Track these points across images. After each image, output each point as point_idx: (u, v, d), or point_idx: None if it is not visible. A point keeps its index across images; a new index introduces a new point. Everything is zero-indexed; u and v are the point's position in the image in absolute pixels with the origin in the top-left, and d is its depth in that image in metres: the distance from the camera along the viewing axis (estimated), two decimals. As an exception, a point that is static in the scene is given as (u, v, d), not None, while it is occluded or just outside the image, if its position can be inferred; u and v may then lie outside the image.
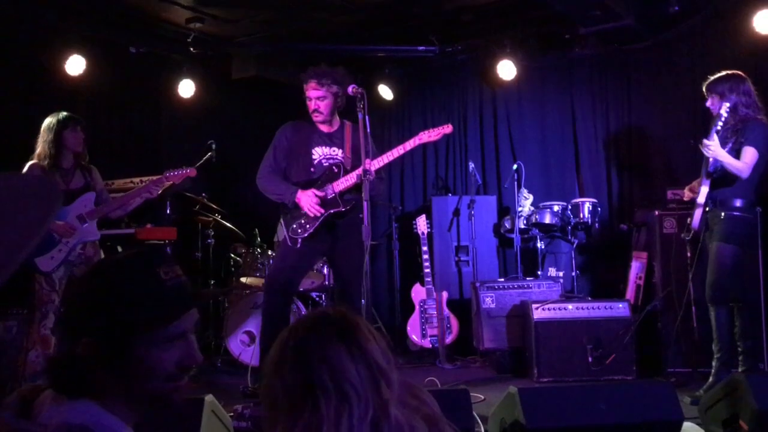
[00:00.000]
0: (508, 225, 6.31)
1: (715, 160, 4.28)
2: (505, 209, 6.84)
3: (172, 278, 1.37)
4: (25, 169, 4.57)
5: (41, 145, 4.58)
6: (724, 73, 4.45)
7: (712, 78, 4.47)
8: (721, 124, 4.26)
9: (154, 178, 4.77)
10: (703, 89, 4.51)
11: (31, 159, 4.59)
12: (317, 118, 4.40)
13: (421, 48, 6.76)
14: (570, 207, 6.02)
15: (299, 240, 4.34)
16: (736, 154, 4.28)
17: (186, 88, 6.86)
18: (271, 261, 6.15)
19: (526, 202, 6.14)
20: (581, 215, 5.95)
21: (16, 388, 4.31)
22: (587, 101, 6.72)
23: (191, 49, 6.51)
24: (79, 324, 1.33)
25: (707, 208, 4.37)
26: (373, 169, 4.01)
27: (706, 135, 4.31)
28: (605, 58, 6.57)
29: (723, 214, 4.32)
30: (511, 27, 6.58)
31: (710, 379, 4.35)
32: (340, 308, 1.39)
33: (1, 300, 5.17)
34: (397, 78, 7.35)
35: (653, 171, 6.35)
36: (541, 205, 6.13)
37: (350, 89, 3.98)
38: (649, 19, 5.93)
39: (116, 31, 6.41)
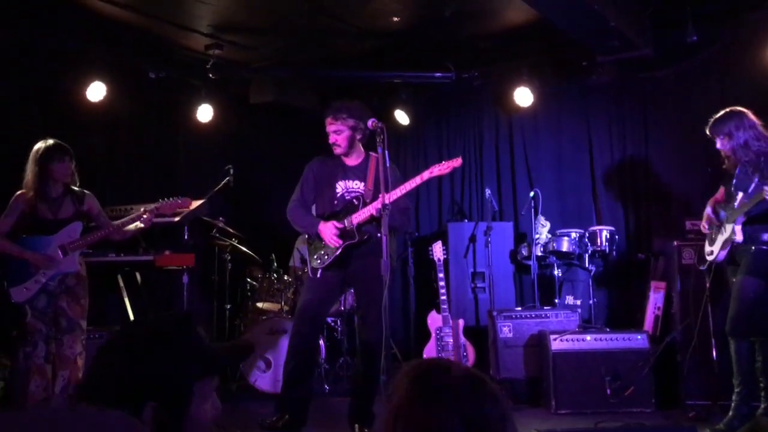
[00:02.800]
0: (525, 252, 6.28)
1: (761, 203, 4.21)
2: (522, 236, 6.83)
3: (205, 338, 1.54)
4: (11, 201, 4.51)
5: (28, 175, 4.48)
6: (723, 112, 4.42)
7: (713, 120, 4.44)
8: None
9: (149, 207, 4.75)
10: (707, 132, 4.45)
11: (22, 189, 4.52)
12: (336, 151, 4.49)
13: (437, 74, 6.79)
14: (587, 235, 6.00)
15: (319, 271, 4.44)
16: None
17: (204, 113, 6.93)
18: (287, 286, 6.18)
19: (543, 230, 6.12)
20: (599, 243, 5.92)
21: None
22: (604, 128, 6.71)
23: (210, 74, 6.56)
24: (143, 391, 1.41)
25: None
26: (387, 201, 4.01)
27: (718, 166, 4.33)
28: (622, 86, 6.55)
29: (753, 248, 4.26)
30: (528, 54, 6.60)
31: (730, 413, 4.30)
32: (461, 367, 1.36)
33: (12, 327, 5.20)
34: (413, 103, 7.37)
35: (671, 200, 6.31)
36: (558, 232, 6.11)
37: (369, 123, 4.02)
38: (668, 49, 5.93)
39: (137, 57, 6.50)
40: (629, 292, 6.26)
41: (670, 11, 5.67)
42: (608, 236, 5.94)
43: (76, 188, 4.67)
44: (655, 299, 5.53)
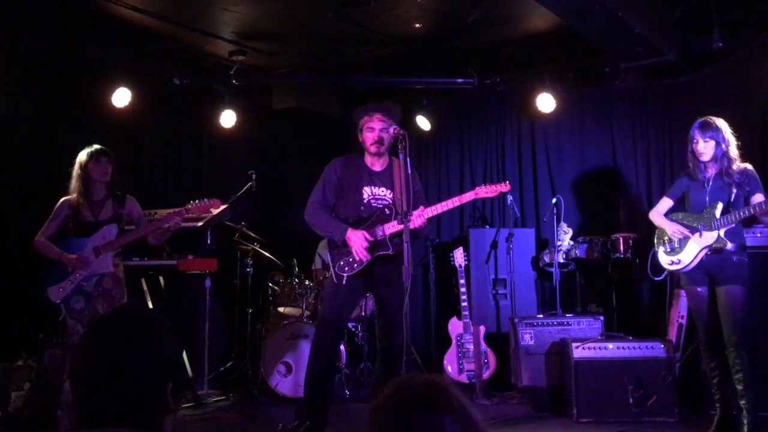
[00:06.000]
0: (546, 259, 6.25)
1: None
2: (544, 242, 6.80)
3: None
4: (57, 206, 4.66)
5: (72, 180, 4.70)
6: (714, 119, 4.46)
7: (707, 122, 4.44)
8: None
9: (177, 209, 4.83)
10: (698, 130, 4.44)
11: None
12: (378, 149, 4.38)
13: (459, 80, 6.78)
14: (610, 242, 5.96)
15: (345, 277, 4.36)
16: (743, 201, 4.40)
17: (228, 119, 6.99)
18: (308, 291, 6.20)
19: (565, 237, 6.08)
20: (621, 250, 5.88)
21: (56, 416, 4.42)
22: (627, 135, 6.66)
23: (233, 80, 6.62)
24: (143, 388, 1.47)
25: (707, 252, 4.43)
26: (426, 217, 4.13)
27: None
28: (646, 92, 6.51)
29: (735, 257, 4.38)
30: (550, 60, 6.58)
31: (744, 420, 4.31)
32: (426, 377, 1.40)
33: (48, 329, 5.29)
34: (435, 109, 7.37)
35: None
36: (580, 239, 6.07)
37: (391, 130, 3.99)
38: (692, 55, 5.87)
39: (161, 63, 6.57)
40: (652, 300, 6.20)
41: (696, 17, 5.62)
42: (631, 243, 5.89)
43: (118, 192, 4.80)
44: (678, 308, 5.47)
